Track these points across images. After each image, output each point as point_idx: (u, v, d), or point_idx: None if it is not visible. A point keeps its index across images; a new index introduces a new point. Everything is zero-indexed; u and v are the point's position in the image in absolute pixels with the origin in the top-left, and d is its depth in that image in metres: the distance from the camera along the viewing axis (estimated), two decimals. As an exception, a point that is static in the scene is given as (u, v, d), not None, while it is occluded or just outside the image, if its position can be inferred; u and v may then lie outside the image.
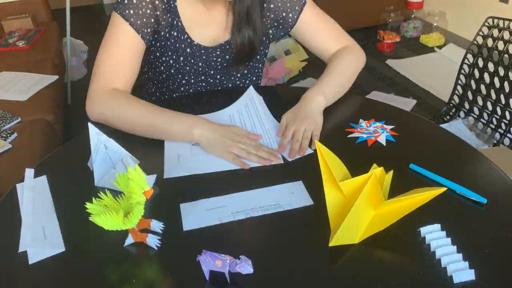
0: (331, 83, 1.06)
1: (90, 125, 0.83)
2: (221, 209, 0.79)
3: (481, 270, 0.65)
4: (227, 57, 1.14)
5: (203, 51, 1.12)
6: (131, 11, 0.99)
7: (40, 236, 0.76)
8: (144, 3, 1.00)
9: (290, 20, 1.13)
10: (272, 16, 1.13)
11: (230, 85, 1.20)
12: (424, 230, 0.72)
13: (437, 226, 0.72)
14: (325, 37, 1.14)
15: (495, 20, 1.67)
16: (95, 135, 0.84)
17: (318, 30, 1.14)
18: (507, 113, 1.63)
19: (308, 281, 0.66)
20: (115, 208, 0.71)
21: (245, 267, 0.61)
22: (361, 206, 0.68)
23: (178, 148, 0.95)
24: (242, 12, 1.08)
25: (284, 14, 1.12)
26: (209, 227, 0.75)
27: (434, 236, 0.70)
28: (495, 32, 1.67)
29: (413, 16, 3.54)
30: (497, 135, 1.68)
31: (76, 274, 0.70)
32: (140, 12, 1.00)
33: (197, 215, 0.78)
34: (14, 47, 2.50)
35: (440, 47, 3.22)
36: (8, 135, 1.66)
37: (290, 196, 0.81)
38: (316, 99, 1.01)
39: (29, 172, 0.91)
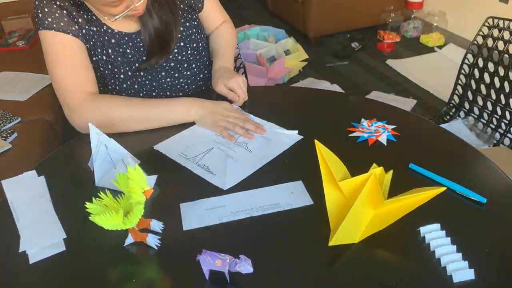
0: (231, 54, 1.27)
1: (90, 125, 0.83)
2: (221, 209, 0.79)
3: (481, 270, 0.65)
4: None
5: (126, 38, 1.11)
6: (49, 19, 1.00)
7: (40, 236, 0.76)
8: (55, 7, 1.01)
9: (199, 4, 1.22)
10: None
11: (173, 72, 1.18)
12: (423, 230, 0.72)
13: (437, 225, 0.72)
14: (216, 15, 1.30)
15: (495, 20, 1.67)
16: (96, 135, 0.84)
17: (213, 10, 1.29)
18: (507, 113, 1.63)
19: (308, 281, 0.66)
20: (115, 208, 0.71)
21: (245, 266, 0.61)
22: (360, 206, 0.68)
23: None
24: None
25: None
26: (209, 227, 0.76)
27: (434, 235, 0.70)
28: (495, 32, 1.66)
29: (413, 16, 3.53)
30: (497, 135, 1.68)
31: (76, 274, 0.70)
32: (56, 14, 1.01)
33: (197, 215, 0.78)
34: (14, 47, 2.50)
35: (440, 47, 3.22)
36: (8, 135, 1.66)
37: (290, 196, 0.81)
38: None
39: (29, 174, 0.91)
